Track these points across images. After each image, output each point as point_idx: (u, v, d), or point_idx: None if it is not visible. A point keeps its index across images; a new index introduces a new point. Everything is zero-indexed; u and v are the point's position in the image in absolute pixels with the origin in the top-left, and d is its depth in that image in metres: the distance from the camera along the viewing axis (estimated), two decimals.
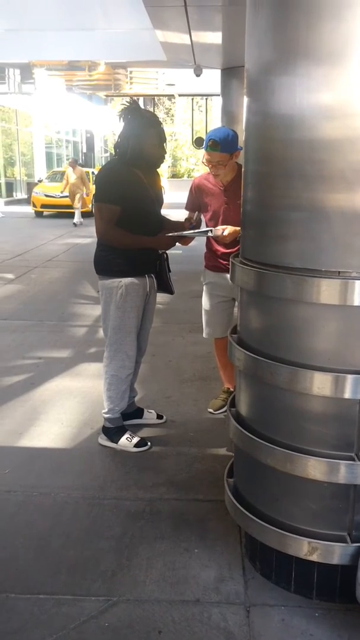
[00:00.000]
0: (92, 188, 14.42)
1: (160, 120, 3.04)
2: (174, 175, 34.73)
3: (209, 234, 3.10)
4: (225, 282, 3.20)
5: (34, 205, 17.09)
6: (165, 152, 2.97)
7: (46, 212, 16.94)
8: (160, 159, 2.95)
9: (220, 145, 3.01)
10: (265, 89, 1.85)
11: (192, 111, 19.85)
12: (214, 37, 7.43)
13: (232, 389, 3.49)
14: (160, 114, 31.58)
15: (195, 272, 4.01)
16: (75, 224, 14.67)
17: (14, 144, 24.16)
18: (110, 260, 2.94)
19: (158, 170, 3.11)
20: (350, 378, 1.75)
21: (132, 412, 3.33)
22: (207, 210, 3.29)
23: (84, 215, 15.79)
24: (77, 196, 14.91)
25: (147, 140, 2.84)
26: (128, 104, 2.91)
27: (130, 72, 19.34)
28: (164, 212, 3.13)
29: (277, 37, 1.79)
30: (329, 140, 1.71)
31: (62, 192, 15.47)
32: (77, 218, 14.89)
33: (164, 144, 2.93)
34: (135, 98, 3.16)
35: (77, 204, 14.91)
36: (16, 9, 9.17)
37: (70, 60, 15.87)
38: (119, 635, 1.89)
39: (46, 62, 17.68)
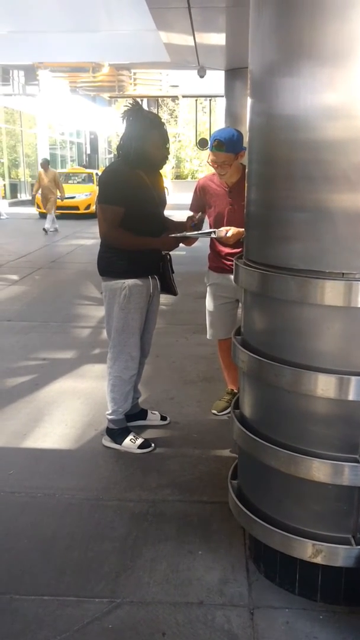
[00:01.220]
0: (95, 189, 14.26)
1: (164, 121, 3.05)
2: (178, 177, 34.73)
3: (213, 234, 3.10)
4: (229, 283, 3.19)
5: (38, 207, 17.07)
6: (168, 154, 2.98)
7: None
8: (163, 160, 2.96)
9: (225, 145, 3.01)
10: (269, 90, 1.85)
11: (196, 112, 19.89)
12: (218, 39, 7.44)
13: (236, 391, 3.49)
14: (164, 115, 31.61)
15: (199, 273, 4.01)
16: (45, 230, 13.40)
17: (18, 146, 24.23)
18: (114, 261, 2.94)
19: (161, 171, 3.11)
20: (354, 380, 1.75)
21: (136, 414, 3.33)
22: (212, 211, 3.29)
23: (87, 217, 15.79)
24: (51, 200, 13.75)
25: (149, 142, 2.84)
26: (131, 105, 2.91)
27: (134, 74, 19.42)
28: (167, 213, 3.13)
29: (280, 38, 1.79)
30: (333, 141, 1.71)
31: (33, 194, 14.05)
32: (48, 224, 13.61)
33: (167, 145, 2.93)
34: (139, 99, 3.17)
35: (51, 210, 13.77)
36: (20, 11, 9.21)
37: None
38: (122, 637, 1.88)
39: (50, 63, 17.75)
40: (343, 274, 1.75)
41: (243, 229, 2.33)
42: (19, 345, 4.91)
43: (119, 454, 3.06)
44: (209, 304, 3.48)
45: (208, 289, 3.47)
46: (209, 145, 3.11)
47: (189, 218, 3.17)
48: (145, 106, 2.69)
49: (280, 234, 1.88)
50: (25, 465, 2.97)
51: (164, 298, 3.30)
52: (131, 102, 2.95)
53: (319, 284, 1.75)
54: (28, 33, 10.74)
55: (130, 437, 3.10)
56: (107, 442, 3.14)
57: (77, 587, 2.10)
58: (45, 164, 14.05)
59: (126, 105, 2.93)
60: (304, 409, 1.88)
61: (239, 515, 2.17)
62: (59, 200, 14.03)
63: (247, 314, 2.12)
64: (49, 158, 16.99)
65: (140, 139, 2.83)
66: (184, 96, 21.37)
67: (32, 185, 21.75)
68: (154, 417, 3.40)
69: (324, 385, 1.78)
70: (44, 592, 2.08)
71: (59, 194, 13.94)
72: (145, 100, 22.10)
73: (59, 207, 16.68)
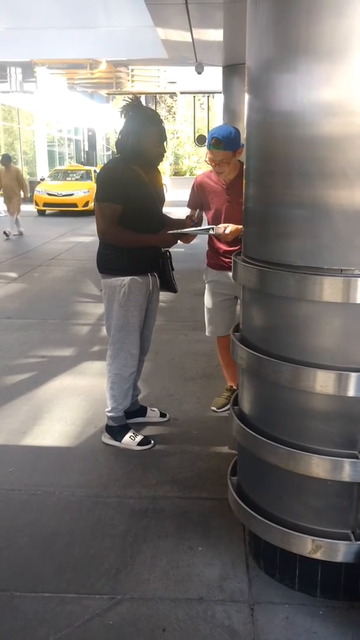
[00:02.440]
0: (93, 187, 14.10)
1: (162, 118, 3.04)
2: (176, 173, 34.68)
3: (211, 231, 3.10)
4: (227, 280, 3.19)
5: (37, 204, 17.06)
6: (165, 151, 2.96)
7: (49, 210, 16.94)
8: (160, 157, 2.95)
9: (223, 143, 3.00)
10: (267, 86, 1.85)
11: (194, 109, 19.84)
12: (215, 35, 7.42)
13: (235, 387, 3.49)
14: (162, 111, 31.54)
15: (197, 270, 4.01)
16: (6, 235, 11.79)
17: (16, 143, 24.16)
18: (113, 258, 2.94)
19: (159, 167, 3.11)
20: (353, 376, 1.75)
21: (136, 411, 3.33)
22: (210, 208, 3.28)
23: (86, 214, 15.73)
24: (14, 201, 12.13)
25: (147, 138, 2.83)
26: (130, 100, 2.91)
27: (132, 70, 19.39)
28: (165, 210, 3.13)
29: (277, 34, 1.78)
30: (330, 137, 1.71)
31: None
32: (10, 226, 11.95)
33: (164, 143, 2.93)
34: (137, 96, 3.15)
35: (15, 212, 12.08)
36: (18, 7, 9.20)
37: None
38: (123, 634, 1.89)
39: (47, 60, 17.71)
40: (341, 270, 1.75)
41: (241, 226, 2.33)
42: (18, 343, 4.91)
43: (118, 451, 3.06)
44: (207, 301, 3.48)
45: (206, 286, 3.47)
46: (206, 144, 3.10)
47: (188, 217, 3.17)
48: (143, 103, 2.71)
49: (279, 230, 1.88)
50: (25, 462, 2.97)
51: (163, 295, 3.30)
52: (131, 97, 2.94)
53: (318, 280, 1.75)
54: (25, 30, 10.72)
55: (130, 434, 3.11)
56: (107, 439, 3.14)
57: (77, 584, 2.11)
58: (6, 161, 12.47)
59: (125, 100, 2.93)
60: (303, 405, 1.88)
61: (238, 512, 2.18)
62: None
63: (245, 310, 2.12)
64: (47, 155, 16.73)
65: (137, 135, 2.82)
66: (181, 92, 21.33)
67: (30, 182, 21.64)
68: (153, 414, 3.40)
69: (323, 382, 1.78)
70: (45, 589, 2.09)
71: (22, 194, 12.44)
72: (143, 96, 22.06)
73: (57, 205, 16.70)
